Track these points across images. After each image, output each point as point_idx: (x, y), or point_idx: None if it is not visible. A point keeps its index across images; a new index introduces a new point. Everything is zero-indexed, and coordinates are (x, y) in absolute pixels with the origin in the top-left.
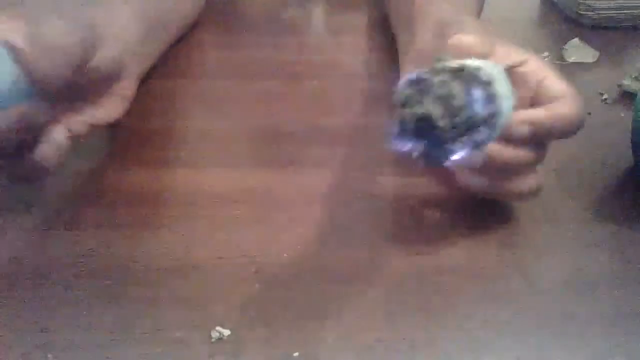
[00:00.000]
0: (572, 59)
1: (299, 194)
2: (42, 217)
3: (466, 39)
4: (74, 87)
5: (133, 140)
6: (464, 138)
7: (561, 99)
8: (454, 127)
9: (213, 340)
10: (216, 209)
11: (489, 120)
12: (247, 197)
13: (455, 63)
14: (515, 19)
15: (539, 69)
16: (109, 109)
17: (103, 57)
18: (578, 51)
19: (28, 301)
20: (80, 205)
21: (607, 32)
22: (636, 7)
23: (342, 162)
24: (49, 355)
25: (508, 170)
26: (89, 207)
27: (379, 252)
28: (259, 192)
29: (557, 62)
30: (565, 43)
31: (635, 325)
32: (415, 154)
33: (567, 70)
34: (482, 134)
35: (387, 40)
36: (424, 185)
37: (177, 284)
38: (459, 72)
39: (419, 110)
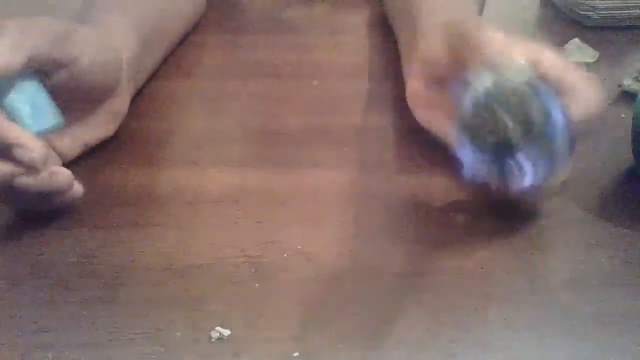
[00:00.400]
0: (572, 59)
1: (299, 194)
2: (42, 217)
3: (499, 36)
4: (69, 107)
5: (133, 140)
6: (546, 154)
7: (583, 91)
8: (536, 145)
9: (213, 340)
10: (216, 209)
11: (564, 131)
12: (247, 197)
13: (514, 71)
14: (515, 19)
15: (556, 62)
16: (100, 127)
17: (97, 71)
18: (578, 51)
19: (28, 301)
20: (80, 205)
21: (607, 32)
22: (636, 7)
23: (343, 162)
24: (49, 355)
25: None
26: (89, 207)
27: (379, 251)
28: (259, 192)
29: None
30: (565, 43)
31: (636, 325)
32: (493, 180)
33: None
34: (561, 146)
35: (387, 40)
36: (424, 185)
37: (177, 284)
38: (524, 84)
39: (498, 134)
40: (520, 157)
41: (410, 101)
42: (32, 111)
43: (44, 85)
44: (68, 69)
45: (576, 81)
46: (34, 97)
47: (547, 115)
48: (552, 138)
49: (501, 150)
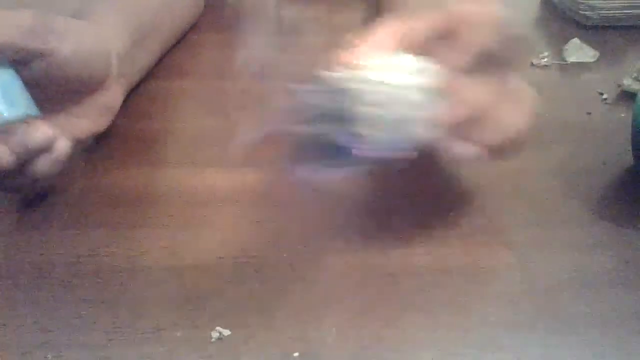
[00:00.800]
0: (572, 59)
1: (298, 194)
2: (42, 217)
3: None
4: (54, 98)
5: (133, 140)
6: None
7: (486, 21)
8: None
9: (213, 340)
10: (216, 209)
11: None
12: (247, 197)
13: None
14: (515, 19)
15: (465, 9)
16: (90, 120)
17: (80, 62)
18: (578, 51)
19: (28, 301)
20: (80, 205)
21: (607, 32)
22: (636, 7)
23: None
24: (49, 355)
25: (477, 116)
26: (89, 207)
27: (379, 251)
28: (259, 192)
29: (557, 62)
30: (565, 43)
31: (636, 325)
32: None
33: (567, 70)
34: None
35: None
36: (424, 185)
37: (177, 284)
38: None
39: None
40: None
41: None
42: (3, 98)
43: (21, 75)
44: (45, 59)
45: (472, 14)
46: (8, 85)
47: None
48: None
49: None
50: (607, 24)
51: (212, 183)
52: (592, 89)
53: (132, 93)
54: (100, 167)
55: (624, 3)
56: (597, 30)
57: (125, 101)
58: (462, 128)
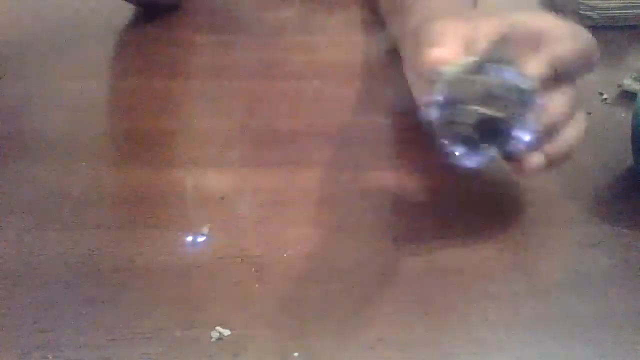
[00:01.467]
0: None
1: (299, 194)
2: (42, 217)
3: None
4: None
5: (133, 140)
6: (523, 120)
7: (566, 35)
8: (513, 113)
9: (213, 340)
10: (216, 209)
11: (530, 92)
12: (248, 197)
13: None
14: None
15: (535, 20)
16: None
17: None
18: None
19: (28, 301)
20: (80, 205)
21: (607, 32)
22: (636, 7)
23: (343, 162)
24: (49, 355)
25: (555, 126)
26: (89, 207)
27: (380, 252)
28: (259, 192)
29: None
30: None
31: (636, 325)
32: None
33: None
34: (532, 109)
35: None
36: (425, 185)
37: (177, 284)
38: (476, 66)
39: (472, 118)
40: (506, 127)
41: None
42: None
43: None
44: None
45: (549, 27)
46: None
47: (509, 87)
48: (523, 100)
49: (484, 132)
50: (607, 24)
51: (212, 183)
52: (592, 89)
53: (132, 93)
54: (101, 167)
55: (624, 3)
56: (597, 30)
57: (125, 101)
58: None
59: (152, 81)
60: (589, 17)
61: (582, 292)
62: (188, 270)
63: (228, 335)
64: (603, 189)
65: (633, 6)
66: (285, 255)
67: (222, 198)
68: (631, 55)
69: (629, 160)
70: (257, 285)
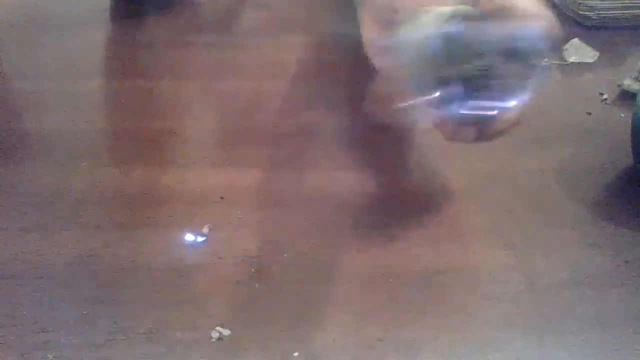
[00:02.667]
0: (572, 59)
1: (299, 194)
2: (42, 217)
3: None
4: None
5: (133, 140)
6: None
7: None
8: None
9: (213, 340)
10: (216, 209)
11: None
12: (247, 197)
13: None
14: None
15: None
16: None
17: None
18: (578, 51)
19: (28, 301)
20: (80, 205)
21: (607, 32)
22: (636, 7)
23: (343, 162)
24: (49, 355)
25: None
26: (89, 207)
27: (380, 252)
28: (259, 192)
29: (557, 62)
30: (565, 43)
31: (636, 325)
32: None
33: (567, 70)
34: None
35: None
36: (426, 185)
37: (177, 284)
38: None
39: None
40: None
41: (366, 48)
42: None
43: None
44: None
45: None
46: None
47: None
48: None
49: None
50: (607, 24)
51: (212, 183)
52: (592, 89)
53: (133, 93)
54: (101, 167)
55: (624, 3)
56: (597, 30)
57: (125, 101)
58: None
59: (152, 81)
60: (589, 17)
61: (582, 292)
62: (188, 270)
63: (228, 335)
64: (603, 189)
65: (633, 6)
66: (285, 255)
67: (222, 198)
68: (631, 55)
69: (629, 160)
70: (257, 285)
